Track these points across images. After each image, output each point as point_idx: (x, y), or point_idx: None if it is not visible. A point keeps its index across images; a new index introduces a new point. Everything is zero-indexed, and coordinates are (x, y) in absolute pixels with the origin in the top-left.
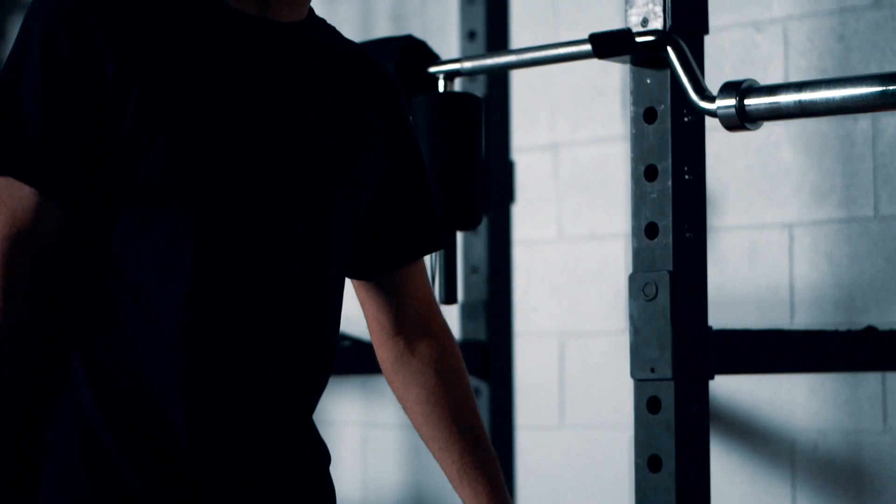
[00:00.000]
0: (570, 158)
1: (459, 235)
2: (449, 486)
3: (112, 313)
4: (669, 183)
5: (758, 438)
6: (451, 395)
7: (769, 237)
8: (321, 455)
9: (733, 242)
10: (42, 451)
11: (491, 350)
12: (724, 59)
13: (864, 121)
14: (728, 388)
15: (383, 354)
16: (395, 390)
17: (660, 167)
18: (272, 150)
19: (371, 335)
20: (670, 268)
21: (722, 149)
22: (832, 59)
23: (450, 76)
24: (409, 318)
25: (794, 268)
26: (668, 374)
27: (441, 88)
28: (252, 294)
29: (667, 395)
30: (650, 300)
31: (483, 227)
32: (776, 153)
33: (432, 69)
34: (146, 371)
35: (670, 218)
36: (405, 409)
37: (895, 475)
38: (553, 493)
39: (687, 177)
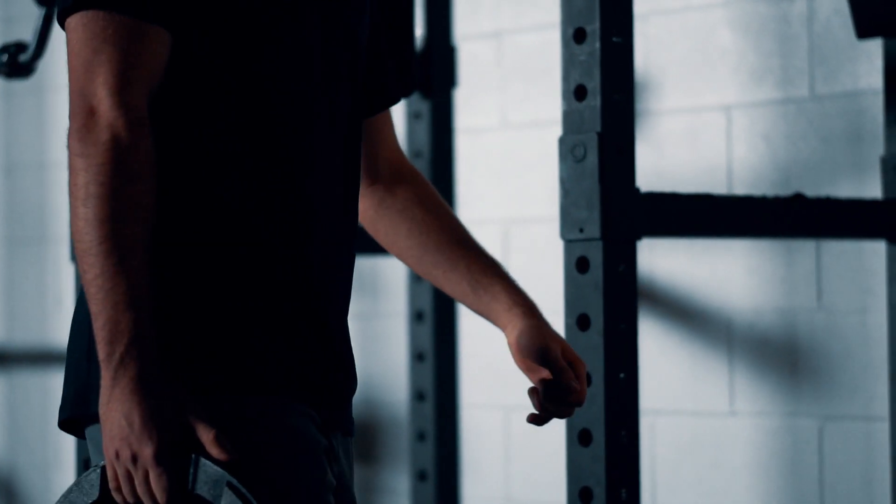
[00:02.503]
0: (513, 46)
1: (402, 119)
2: (396, 372)
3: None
4: (598, 45)
5: (696, 319)
6: (441, 221)
7: (707, 119)
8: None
9: (672, 125)
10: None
11: None
12: None
13: (799, 2)
14: (667, 270)
15: (364, 205)
16: (382, 237)
17: (588, 30)
18: (336, 8)
19: None
20: (599, 129)
21: (661, 32)
22: None
23: None
24: (385, 164)
25: (732, 149)
26: (597, 235)
27: None
28: (321, 140)
29: (595, 255)
30: (579, 161)
31: (426, 113)
32: (714, 35)
33: None
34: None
35: (598, 80)
36: (397, 251)
37: (829, 351)
38: (495, 371)
39: (615, 39)
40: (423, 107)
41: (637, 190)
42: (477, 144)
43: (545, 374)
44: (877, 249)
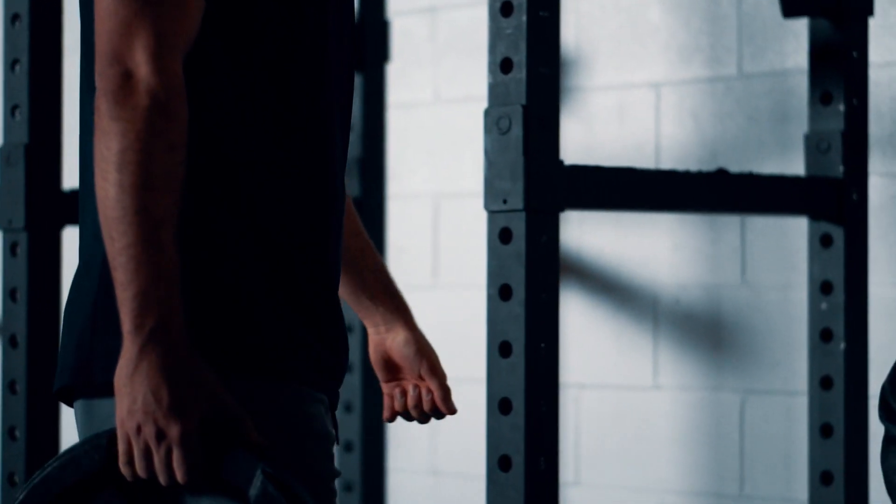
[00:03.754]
0: (447, 21)
1: None
2: None
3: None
4: (524, 19)
5: (622, 294)
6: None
7: (637, 96)
8: None
9: (602, 102)
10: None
11: (364, 209)
12: None
13: None
14: (595, 245)
15: None
16: None
17: (515, 3)
18: None
19: None
20: (524, 102)
21: (592, 8)
22: None
23: None
24: None
25: (661, 126)
26: (520, 206)
27: None
28: (332, 117)
29: (518, 226)
30: (504, 134)
31: (358, 87)
32: (645, 13)
33: None
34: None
35: (524, 53)
36: None
37: (752, 327)
38: None
39: (542, 13)
40: (356, 81)
41: (560, 162)
42: (409, 119)
43: (410, 385)
44: (799, 226)
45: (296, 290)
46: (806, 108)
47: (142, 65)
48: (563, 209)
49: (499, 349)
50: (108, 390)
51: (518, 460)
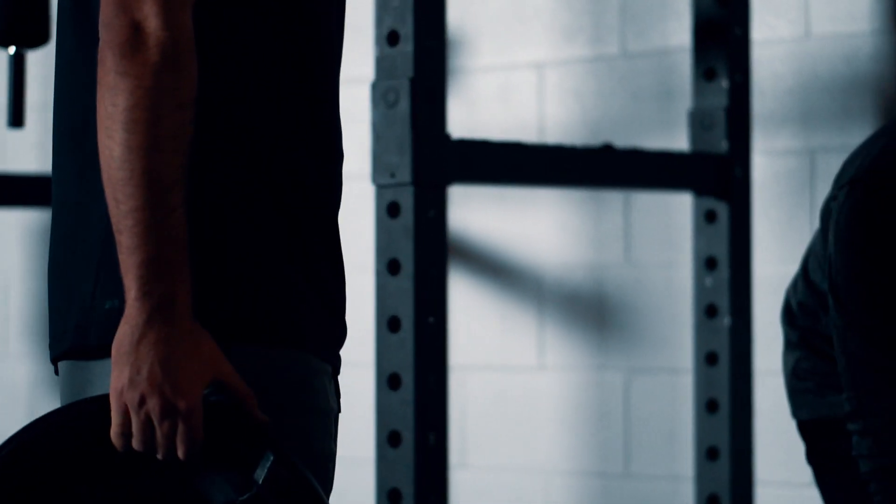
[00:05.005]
0: None
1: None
2: None
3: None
4: None
5: (506, 275)
6: None
7: (520, 77)
8: None
9: (485, 83)
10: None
11: None
12: None
13: None
14: (479, 226)
15: None
16: None
17: None
18: None
19: None
20: (411, 75)
21: None
22: None
23: None
24: None
25: (544, 106)
26: (408, 179)
27: None
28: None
29: (406, 199)
30: (391, 107)
31: None
32: None
33: None
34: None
35: (411, 26)
36: None
37: (636, 306)
38: None
39: None
40: None
41: (448, 136)
42: None
43: None
44: (683, 204)
45: (303, 255)
46: (689, 86)
47: (151, 16)
48: (451, 183)
49: (388, 324)
50: (102, 353)
51: (408, 436)
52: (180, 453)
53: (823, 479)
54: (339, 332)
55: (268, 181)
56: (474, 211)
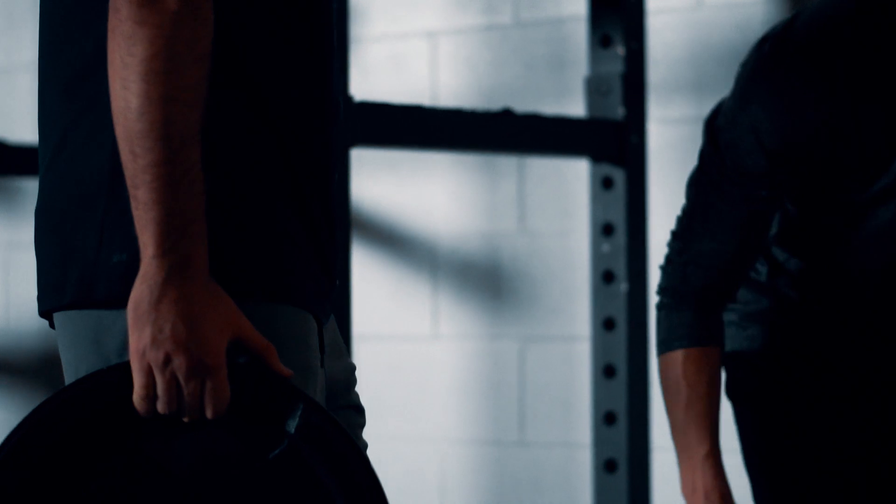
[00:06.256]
0: None
1: None
2: None
3: None
4: None
5: (400, 245)
6: None
7: (413, 46)
8: None
9: (378, 52)
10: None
11: None
12: None
13: None
14: (372, 196)
15: None
16: None
17: None
18: None
19: None
20: None
21: None
22: None
23: None
24: None
25: (438, 75)
26: None
27: None
28: None
29: None
30: None
31: None
32: None
33: None
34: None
35: None
36: None
37: (531, 274)
38: None
39: None
40: None
41: (351, 98)
42: None
43: None
44: (577, 173)
45: (306, 212)
46: (582, 56)
47: None
48: (353, 145)
49: None
50: (109, 306)
51: None
52: (209, 412)
53: (741, 415)
54: (329, 290)
55: (278, 139)
56: (367, 180)
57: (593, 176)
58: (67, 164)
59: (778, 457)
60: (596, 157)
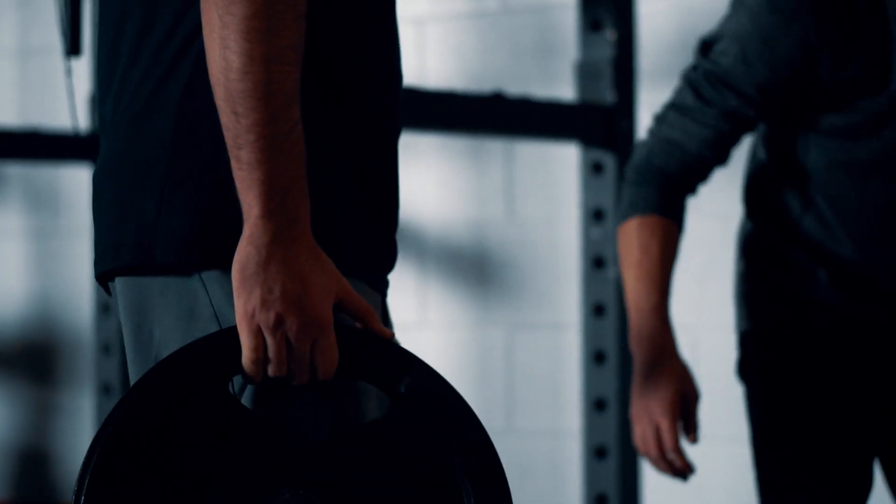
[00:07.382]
0: None
1: None
2: (78, 290)
3: None
4: None
5: None
6: None
7: (400, 33)
8: None
9: None
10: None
11: None
12: None
13: None
14: None
15: None
16: None
17: None
18: None
19: None
20: None
21: None
22: None
23: None
24: None
25: (425, 62)
26: None
27: None
28: None
29: None
30: None
31: None
32: None
33: None
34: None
35: None
36: None
37: (518, 262)
38: None
39: None
40: None
41: None
42: None
43: None
44: (565, 160)
45: (378, 192)
46: (570, 43)
47: None
48: None
49: None
50: (164, 271)
51: None
52: (321, 373)
53: (751, 390)
54: (390, 269)
55: (351, 113)
56: None
57: (583, 161)
58: (132, 127)
59: (786, 432)
60: (586, 142)
